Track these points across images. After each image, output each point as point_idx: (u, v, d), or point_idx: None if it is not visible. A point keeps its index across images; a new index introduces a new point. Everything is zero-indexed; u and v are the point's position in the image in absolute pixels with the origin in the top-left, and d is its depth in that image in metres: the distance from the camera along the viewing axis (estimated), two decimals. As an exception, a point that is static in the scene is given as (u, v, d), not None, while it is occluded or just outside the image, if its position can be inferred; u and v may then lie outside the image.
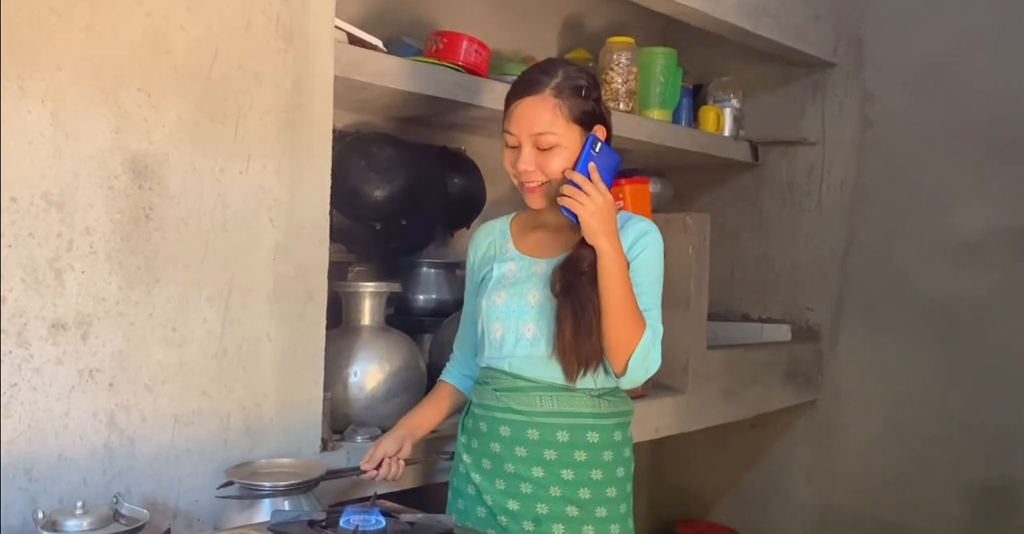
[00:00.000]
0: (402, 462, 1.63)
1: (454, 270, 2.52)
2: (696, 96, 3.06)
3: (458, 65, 2.15)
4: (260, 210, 1.53)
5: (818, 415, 3.08)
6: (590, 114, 1.56)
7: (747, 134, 3.08)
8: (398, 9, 2.52)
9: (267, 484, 1.39)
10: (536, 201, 1.58)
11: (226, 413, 1.51)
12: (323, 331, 1.66)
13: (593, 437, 1.57)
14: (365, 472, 1.60)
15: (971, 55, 2.75)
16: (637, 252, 1.59)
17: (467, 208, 2.61)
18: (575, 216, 1.48)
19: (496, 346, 1.60)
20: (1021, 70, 2.66)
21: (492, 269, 1.66)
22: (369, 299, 1.92)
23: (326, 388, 1.69)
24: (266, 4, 1.51)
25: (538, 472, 1.55)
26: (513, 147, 1.57)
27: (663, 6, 2.42)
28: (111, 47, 1.35)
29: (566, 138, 1.53)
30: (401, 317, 2.33)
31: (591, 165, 1.52)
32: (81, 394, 1.35)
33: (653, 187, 2.75)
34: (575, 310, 1.50)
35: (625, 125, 2.52)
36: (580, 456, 1.56)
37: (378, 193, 2.26)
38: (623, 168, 2.94)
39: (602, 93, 2.50)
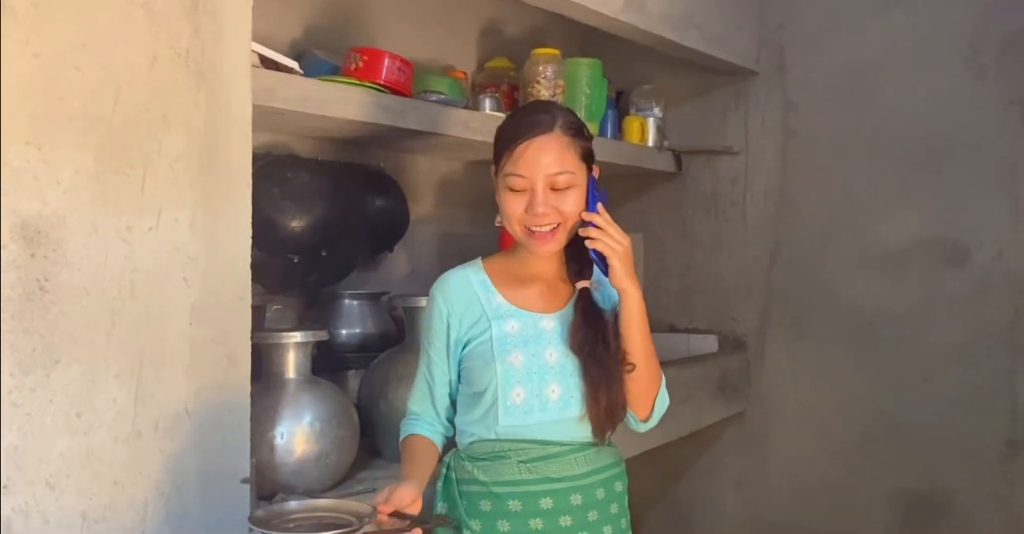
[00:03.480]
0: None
1: (378, 300, 2.36)
2: (618, 104, 2.98)
3: (380, 85, 1.99)
4: (173, 270, 1.35)
5: (746, 426, 3.06)
6: (590, 153, 1.50)
7: (670, 143, 3.02)
8: (306, 20, 2.33)
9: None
10: (549, 248, 1.46)
11: (142, 503, 1.33)
12: (247, 398, 1.48)
13: (619, 487, 1.54)
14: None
15: (891, 64, 2.75)
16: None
17: (390, 231, 2.46)
18: (602, 259, 1.41)
19: (519, 412, 1.46)
20: (941, 79, 2.67)
21: (487, 329, 1.49)
22: (293, 350, 1.75)
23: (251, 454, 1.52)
24: (174, 37, 1.32)
25: None
26: (520, 191, 1.44)
27: (591, 18, 2.31)
28: (-10, 95, 1.14)
29: (578, 177, 1.45)
30: (322, 355, 2.15)
31: (599, 205, 1.44)
32: (-31, 503, 1.15)
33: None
34: (605, 371, 1.43)
35: (553, 141, 2.40)
36: (613, 509, 1.51)
37: (295, 224, 2.09)
38: None
39: (528, 107, 2.44)
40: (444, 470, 1.56)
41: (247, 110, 1.44)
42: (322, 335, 1.81)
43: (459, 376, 1.54)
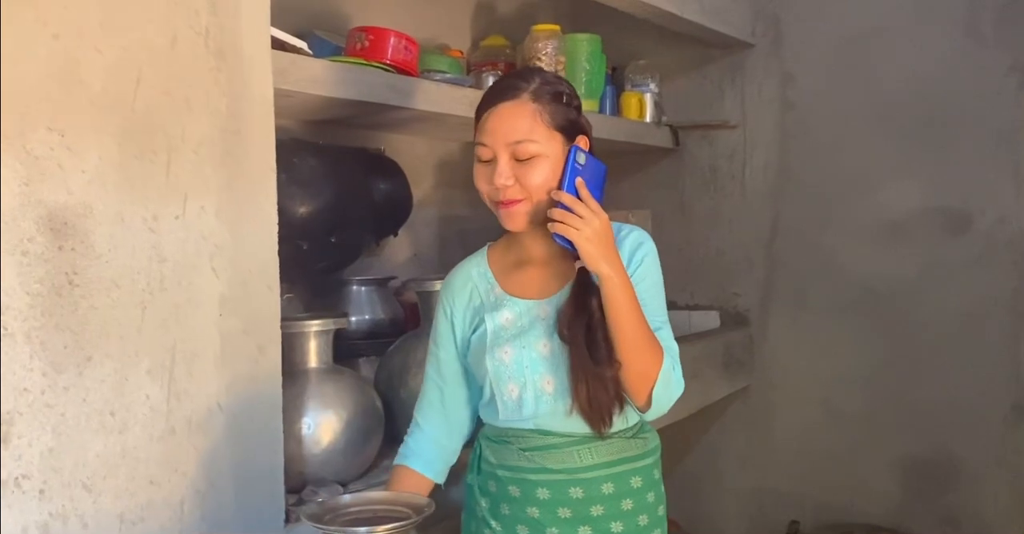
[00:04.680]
0: None
1: (386, 285, 2.31)
2: (613, 80, 2.94)
3: (387, 64, 1.93)
4: (201, 260, 1.30)
5: (751, 400, 3.06)
6: (572, 122, 1.39)
7: (666, 119, 2.99)
8: (304, 0, 2.26)
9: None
10: (516, 222, 1.37)
11: (179, 501, 1.29)
12: (279, 389, 1.44)
13: (637, 482, 1.44)
14: None
15: (889, 32, 2.74)
16: (635, 267, 1.42)
17: (394, 214, 2.40)
18: (570, 243, 1.30)
19: (514, 408, 1.40)
20: (939, 47, 2.66)
21: (483, 321, 1.44)
22: (315, 339, 1.70)
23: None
24: (192, 15, 1.26)
25: (585, 532, 1.40)
26: (486, 161, 1.37)
27: (593, -8, 2.27)
28: (11, 80, 1.08)
29: (548, 147, 1.35)
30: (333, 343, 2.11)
31: (578, 180, 1.33)
32: (6, 509, 1.09)
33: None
34: (584, 362, 1.33)
35: (556, 118, 2.36)
36: (627, 505, 1.43)
37: (303, 209, 2.02)
38: None
39: (530, 85, 2.39)
40: (476, 442, 1.53)
41: (268, 91, 1.38)
42: (343, 322, 1.76)
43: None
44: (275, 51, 1.64)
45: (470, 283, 1.49)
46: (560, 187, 1.34)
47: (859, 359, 2.85)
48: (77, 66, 1.14)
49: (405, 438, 1.53)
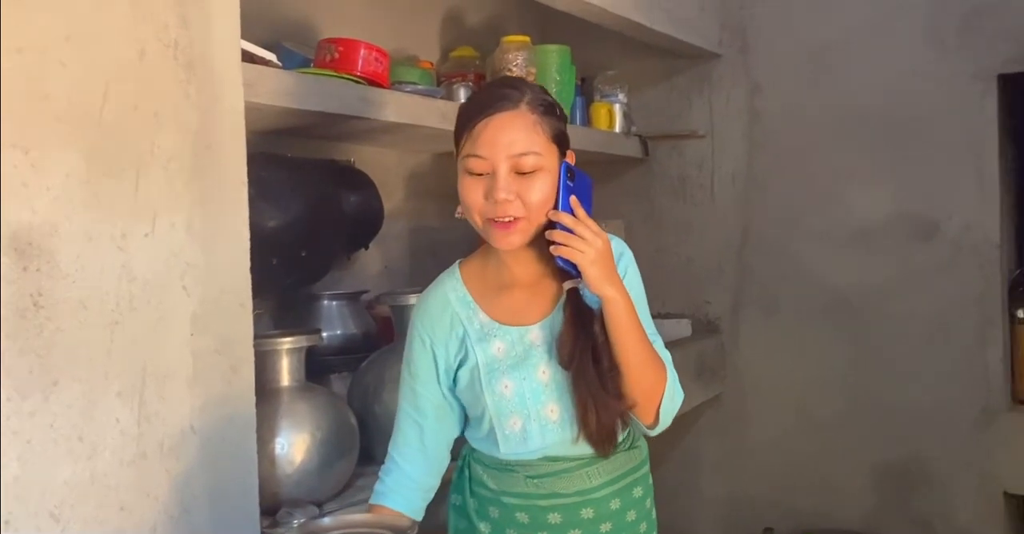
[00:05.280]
0: None
1: (358, 299, 2.28)
2: (582, 91, 2.93)
3: (357, 76, 1.91)
4: (172, 278, 1.26)
5: (724, 408, 3.06)
6: (564, 135, 1.33)
7: (636, 129, 3.00)
8: (270, 11, 2.22)
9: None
10: (512, 242, 1.29)
11: (151, 528, 1.24)
12: (252, 409, 1.41)
13: (638, 492, 1.43)
14: None
15: (854, 42, 2.77)
16: (620, 278, 1.36)
17: (365, 227, 2.37)
18: (573, 266, 1.26)
19: (518, 440, 1.35)
20: (903, 56, 2.70)
21: (470, 353, 1.36)
22: (287, 356, 1.67)
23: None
24: (161, 27, 1.23)
25: None
26: (479, 174, 1.27)
27: (562, 3, 2.26)
28: (-29, 94, 1.04)
29: (548, 160, 1.28)
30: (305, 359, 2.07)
31: (573, 199, 1.28)
32: (-30, 542, 1.05)
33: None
34: (593, 389, 1.29)
35: (527, 129, 2.35)
36: (631, 516, 1.41)
37: (272, 224, 1.99)
38: None
39: (501, 96, 2.38)
40: (460, 462, 1.48)
41: (239, 104, 1.35)
42: (315, 338, 1.73)
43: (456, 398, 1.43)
44: (244, 63, 1.61)
45: (449, 310, 1.40)
46: (556, 206, 1.28)
47: (830, 365, 2.86)
48: (42, 80, 1.10)
49: (381, 475, 1.45)
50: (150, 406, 1.23)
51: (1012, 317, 2.74)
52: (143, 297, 1.22)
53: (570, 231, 1.25)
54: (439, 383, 1.40)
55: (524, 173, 1.27)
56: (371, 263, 2.59)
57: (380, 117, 1.92)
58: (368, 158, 2.51)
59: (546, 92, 1.36)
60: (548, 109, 1.32)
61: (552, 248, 1.26)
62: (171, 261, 1.26)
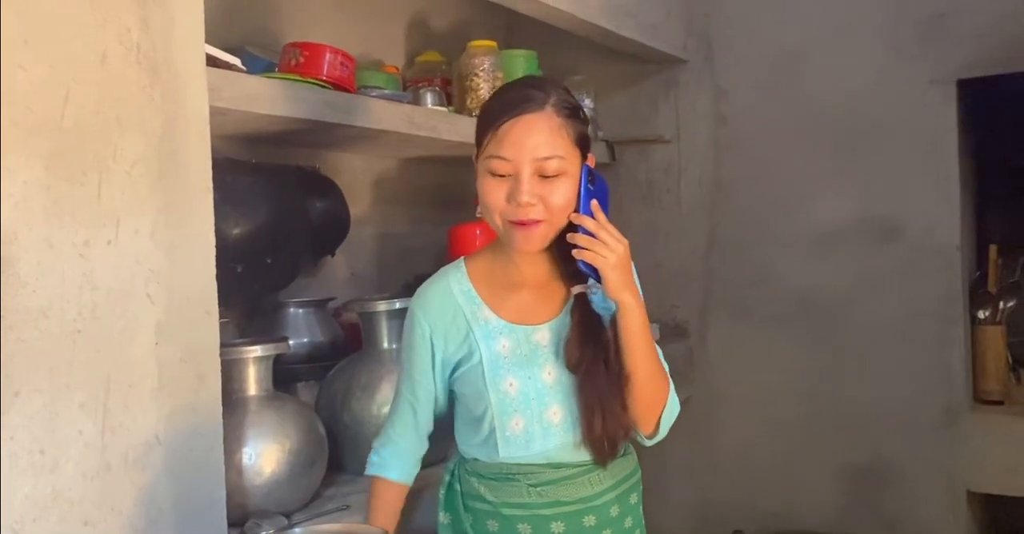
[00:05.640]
0: None
1: (325, 306, 2.26)
2: (549, 96, 2.93)
3: (323, 80, 1.89)
4: (136, 286, 1.23)
5: (692, 412, 3.07)
6: (587, 139, 1.33)
7: (603, 134, 3.00)
8: (233, 15, 2.20)
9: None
10: (533, 244, 1.30)
11: (116, 542, 1.22)
12: (219, 419, 1.38)
13: (634, 498, 1.46)
14: None
15: (817, 48, 2.80)
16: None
17: (331, 233, 2.35)
18: (594, 270, 1.26)
19: (520, 443, 1.33)
20: (865, 62, 2.73)
21: (475, 349, 1.36)
22: (254, 365, 1.65)
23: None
24: (123, 30, 1.20)
25: None
26: (503, 176, 1.27)
27: (532, 8, 2.26)
28: (-74, 98, 1.01)
29: (571, 164, 1.28)
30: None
31: (594, 203, 1.28)
32: (-73, 560, 1.02)
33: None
34: (602, 395, 1.30)
35: (494, 135, 2.34)
36: (628, 523, 1.44)
37: (237, 230, 1.96)
38: None
39: (468, 101, 2.37)
40: (448, 478, 1.46)
41: (204, 108, 1.33)
42: (283, 347, 1.71)
43: (449, 395, 1.43)
44: (208, 67, 1.59)
45: (452, 303, 1.39)
46: (577, 209, 1.28)
47: (797, 368, 2.89)
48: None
49: (376, 448, 1.49)
50: (114, 417, 1.21)
51: (972, 318, 2.79)
52: (106, 306, 1.19)
53: (592, 235, 1.25)
54: (433, 372, 1.40)
55: (547, 176, 1.26)
56: (338, 270, 2.56)
57: (346, 122, 1.90)
58: (334, 164, 2.49)
59: (570, 93, 1.35)
60: (572, 112, 1.31)
61: (575, 252, 1.27)
62: (135, 269, 1.23)
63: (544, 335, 1.36)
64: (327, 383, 1.94)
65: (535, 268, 1.38)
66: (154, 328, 1.26)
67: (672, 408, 1.40)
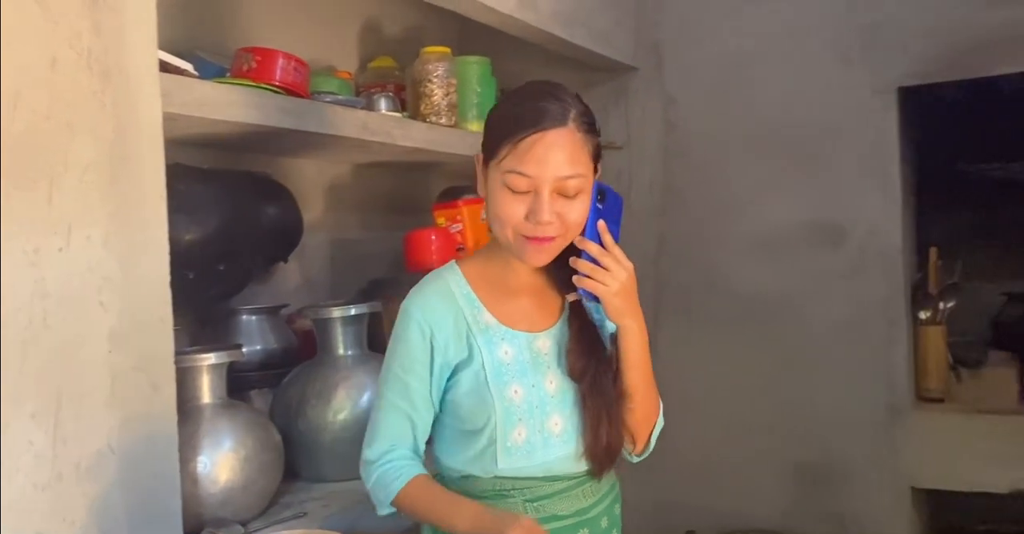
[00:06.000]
0: None
1: (277, 313, 2.24)
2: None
3: (276, 86, 1.88)
4: (88, 293, 1.22)
5: (645, 415, 3.10)
6: (599, 152, 1.29)
7: (555, 140, 3.03)
8: (183, 20, 2.18)
9: None
10: (543, 259, 1.27)
11: (69, 553, 1.20)
12: (175, 427, 1.37)
13: (618, 509, 1.44)
14: None
15: (764, 57, 2.86)
16: None
17: (284, 240, 2.33)
18: (594, 297, 1.24)
19: (521, 453, 1.28)
20: (811, 71, 2.80)
21: (475, 353, 1.30)
22: (208, 373, 1.63)
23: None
24: (73, 35, 1.19)
25: None
26: (523, 193, 1.23)
27: (486, 16, 2.28)
28: None
29: (588, 181, 1.25)
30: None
31: (600, 224, 1.24)
32: None
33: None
34: (607, 405, 1.29)
35: (448, 140, 2.36)
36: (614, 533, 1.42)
37: (189, 237, 1.93)
38: (460, 185, 2.80)
39: (422, 106, 2.38)
40: None
41: (157, 113, 1.32)
42: (237, 354, 1.70)
43: (441, 406, 1.35)
44: (160, 73, 1.57)
45: (453, 303, 1.33)
46: (583, 232, 1.25)
47: (748, 369, 2.94)
48: (-53, 89, 1.05)
49: (382, 462, 1.32)
50: (66, 427, 1.19)
51: (915, 318, 2.87)
52: (58, 314, 1.18)
53: (595, 261, 1.23)
54: (431, 377, 1.32)
55: (567, 196, 1.23)
56: (290, 276, 2.55)
57: (300, 128, 1.89)
58: (285, 169, 2.48)
59: (583, 102, 1.31)
60: (591, 126, 1.28)
61: (575, 279, 1.24)
62: (87, 276, 1.22)
63: (545, 343, 1.33)
64: (281, 390, 1.93)
65: (535, 276, 1.36)
66: (107, 336, 1.25)
67: (659, 424, 1.41)
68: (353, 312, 1.93)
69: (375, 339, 2.08)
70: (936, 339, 2.85)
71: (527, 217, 1.23)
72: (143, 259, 1.30)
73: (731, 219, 2.94)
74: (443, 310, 1.32)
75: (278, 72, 1.91)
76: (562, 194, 1.23)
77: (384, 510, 1.33)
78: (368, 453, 1.35)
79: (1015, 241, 3.22)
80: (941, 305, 2.87)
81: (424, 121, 2.32)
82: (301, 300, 2.46)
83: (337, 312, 1.91)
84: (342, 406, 1.85)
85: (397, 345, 1.33)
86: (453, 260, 1.41)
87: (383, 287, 2.32)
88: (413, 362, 1.31)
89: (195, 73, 1.69)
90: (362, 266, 2.69)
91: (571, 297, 1.33)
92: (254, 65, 1.90)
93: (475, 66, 2.54)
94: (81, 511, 1.21)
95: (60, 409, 1.18)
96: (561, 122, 1.22)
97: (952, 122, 2.92)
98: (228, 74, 1.95)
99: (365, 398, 1.87)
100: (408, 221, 2.69)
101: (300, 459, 1.85)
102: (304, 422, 1.84)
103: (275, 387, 2.02)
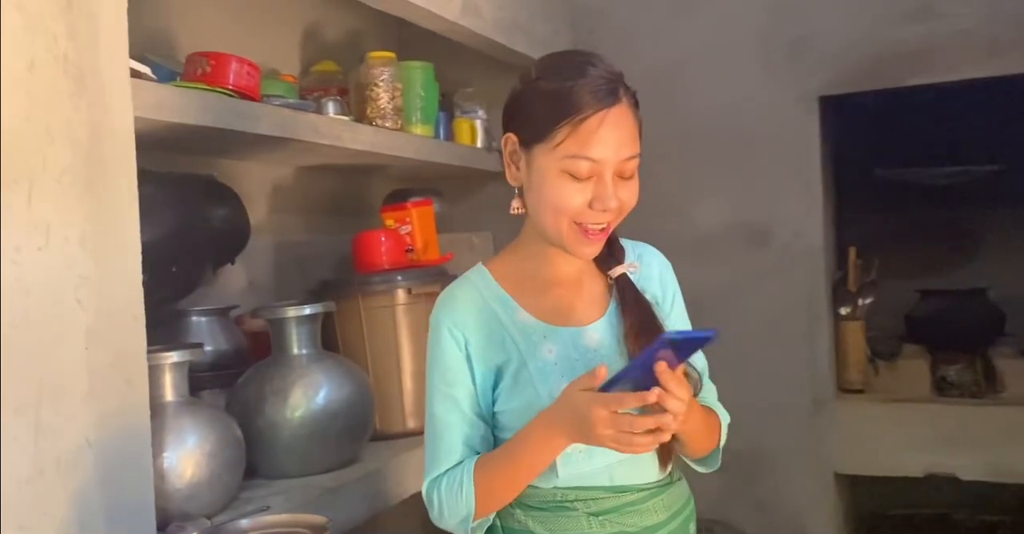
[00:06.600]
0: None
1: (227, 314, 2.26)
2: (443, 107, 3.02)
3: (230, 90, 1.91)
4: (66, 291, 1.25)
5: (583, 410, 3.20)
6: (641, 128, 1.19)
7: (496, 144, 3.11)
8: (131, 23, 2.18)
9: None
10: (595, 251, 1.19)
11: (49, 546, 1.22)
12: (148, 422, 1.40)
13: (693, 528, 1.33)
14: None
15: (692, 67, 3.00)
16: (671, 296, 1.35)
17: (232, 242, 2.35)
18: None
19: (580, 459, 1.17)
20: (737, 79, 2.95)
21: (514, 356, 1.20)
22: (171, 371, 1.66)
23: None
24: (50, 39, 1.22)
25: None
26: (584, 179, 1.12)
27: (431, 22, 2.35)
28: None
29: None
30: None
31: (669, 376, 1.08)
32: None
33: (436, 207, 2.67)
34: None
35: (394, 143, 2.42)
36: None
37: (144, 239, 1.95)
38: (406, 188, 2.84)
39: (368, 110, 2.43)
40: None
41: (129, 117, 1.35)
42: (199, 353, 1.73)
43: (492, 421, 1.23)
44: (123, 76, 1.60)
45: (484, 306, 1.22)
46: (637, 348, 1.15)
47: (681, 365, 3.06)
48: (-67, 91, 1.08)
49: (445, 487, 1.21)
50: (46, 422, 1.21)
51: (836, 314, 3.04)
52: (38, 311, 1.20)
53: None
54: (475, 386, 1.21)
55: (625, 177, 1.16)
56: (236, 278, 2.56)
57: (254, 131, 1.93)
58: (229, 171, 2.49)
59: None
60: (636, 100, 1.20)
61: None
62: (65, 275, 1.24)
63: (593, 337, 1.22)
64: (238, 389, 1.96)
65: (572, 264, 1.25)
66: (84, 333, 1.27)
67: (723, 440, 1.35)
68: (308, 312, 1.97)
69: (328, 340, 2.13)
70: (856, 333, 3.02)
71: (592, 204, 1.14)
72: (117, 259, 1.33)
73: (665, 220, 3.05)
74: (474, 315, 1.22)
75: (232, 76, 1.94)
76: (620, 176, 1.15)
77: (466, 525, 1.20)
78: (429, 476, 1.24)
79: (928, 242, 3.44)
80: (860, 301, 3.05)
81: (371, 124, 2.37)
82: (247, 302, 2.48)
83: (292, 312, 1.95)
84: (299, 404, 1.89)
85: (435, 360, 1.23)
86: (480, 262, 1.31)
87: (333, 288, 2.36)
88: (455, 374, 1.21)
89: (154, 77, 1.71)
90: (305, 269, 2.72)
91: (616, 271, 1.24)
92: (208, 69, 1.92)
93: (419, 71, 2.60)
94: (61, 505, 1.24)
95: (41, 405, 1.20)
96: (618, 98, 1.14)
97: (870, 130, 3.11)
98: (179, 78, 1.97)
99: (321, 395, 1.91)
100: (352, 223, 2.74)
101: (259, 456, 1.88)
102: (263, 419, 1.88)
103: (227, 387, 2.04)
